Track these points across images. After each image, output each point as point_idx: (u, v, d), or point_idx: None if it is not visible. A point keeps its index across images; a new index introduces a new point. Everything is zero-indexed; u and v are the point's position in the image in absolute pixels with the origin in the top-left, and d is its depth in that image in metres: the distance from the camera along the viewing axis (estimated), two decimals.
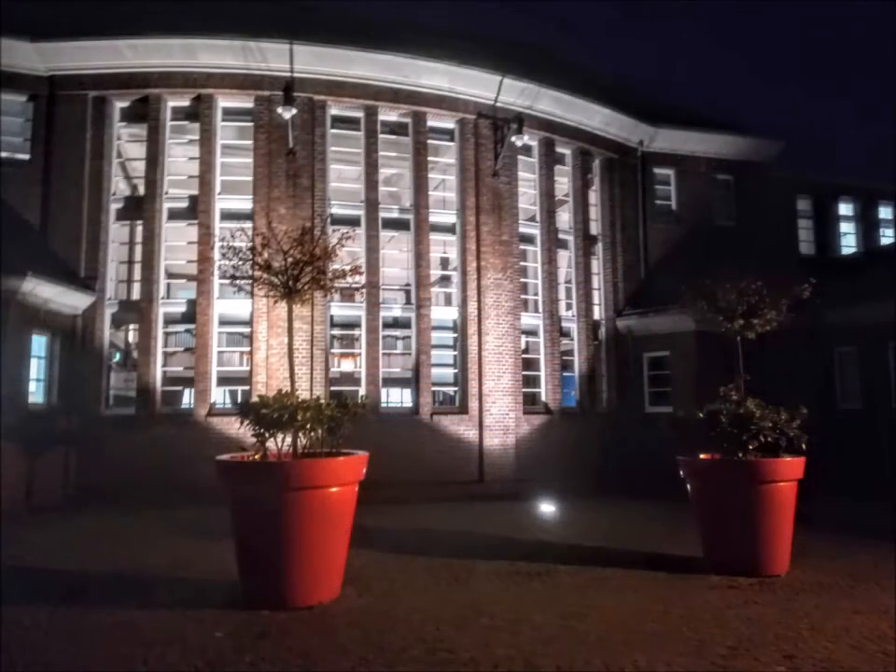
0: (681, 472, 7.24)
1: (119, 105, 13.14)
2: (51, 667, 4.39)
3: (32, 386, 11.31)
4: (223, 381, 12.95)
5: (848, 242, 19.89)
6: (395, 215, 13.88)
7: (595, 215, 16.10)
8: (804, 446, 6.86)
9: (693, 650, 4.63)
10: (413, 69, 13.46)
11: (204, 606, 5.53)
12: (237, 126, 13.48)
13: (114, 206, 13.07)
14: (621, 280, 15.97)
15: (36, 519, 9.97)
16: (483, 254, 13.88)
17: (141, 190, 13.31)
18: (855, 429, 12.64)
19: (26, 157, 12.66)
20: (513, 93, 14.12)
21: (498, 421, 13.54)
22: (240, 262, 6.40)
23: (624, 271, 16.05)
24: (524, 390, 14.07)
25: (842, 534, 8.60)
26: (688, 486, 7.24)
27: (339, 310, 13.51)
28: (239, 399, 13.43)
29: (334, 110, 13.48)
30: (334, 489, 5.74)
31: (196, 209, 12.82)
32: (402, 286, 14.28)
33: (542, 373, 14.55)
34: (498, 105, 14.09)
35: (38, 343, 11.56)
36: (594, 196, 16.18)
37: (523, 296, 14.51)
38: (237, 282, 6.68)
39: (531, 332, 14.66)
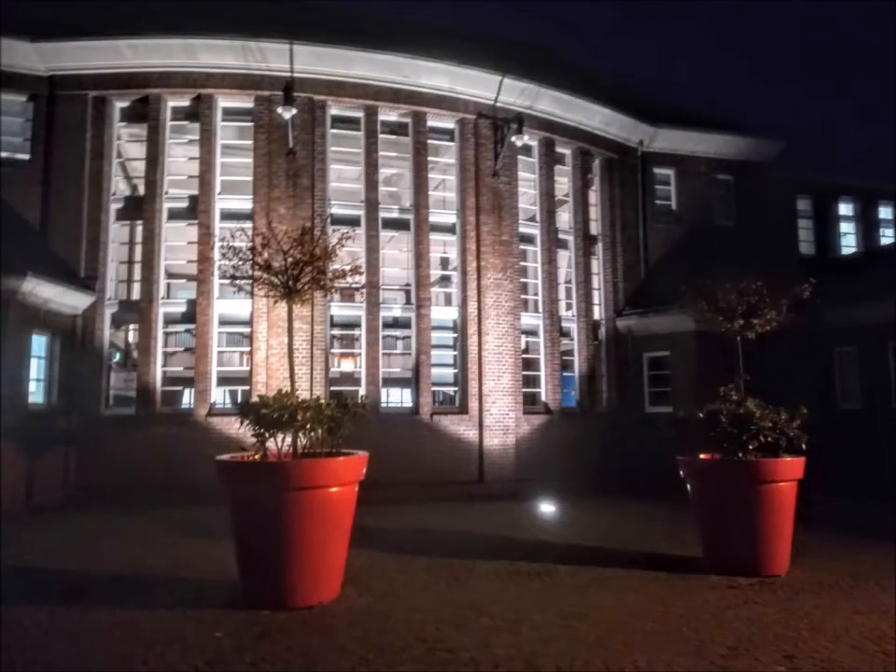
0: (681, 472, 7.24)
1: (119, 105, 13.14)
2: (51, 667, 4.39)
3: (32, 386, 11.31)
4: (223, 381, 12.95)
5: (848, 242, 19.90)
6: (395, 215, 13.88)
7: (595, 215, 16.10)
8: (804, 446, 6.86)
9: (693, 650, 4.63)
10: (413, 69, 13.46)
11: (204, 606, 5.53)
12: (237, 126, 13.48)
13: (114, 206, 13.07)
14: (621, 280, 15.97)
15: (36, 519, 9.97)
16: (483, 254, 13.88)
17: (141, 190, 13.31)
18: (855, 429, 12.64)
19: (26, 157, 12.66)
20: (513, 93, 14.13)
21: (498, 421, 13.54)
22: (240, 262, 6.41)
23: (624, 271, 16.05)
24: (524, 390, 14.07)
25: (842, 534, 8.60)
26: (688, 486, 7.23)
27: (339, 310, 13.51)
28: (239, 399, 13.43)
29: (334, 110, 13.48)
30: (334, 489, 5.74)
31: (196, 209, 12.82)
32: (402, 286, 14.28)
33: (542, 373, 14.55)
34: (498, 104, 14.09)
35: (38, 343, 11.56)
36: (594, 196, 16.18)
37: (523, 296, 14.51)
38: (237, 282, 6.68)
39: (531, 332, 14.66)
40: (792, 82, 70.13)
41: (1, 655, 4.50)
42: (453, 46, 14.25)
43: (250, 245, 6.43)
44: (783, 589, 6.16)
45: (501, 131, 14.10)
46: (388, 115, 13.80)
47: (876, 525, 9.00)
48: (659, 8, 68.22)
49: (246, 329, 12.95)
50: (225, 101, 13.16)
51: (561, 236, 15.36)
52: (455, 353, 13.86)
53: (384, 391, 13.99)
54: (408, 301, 13.76)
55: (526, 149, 14.82)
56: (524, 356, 14.29)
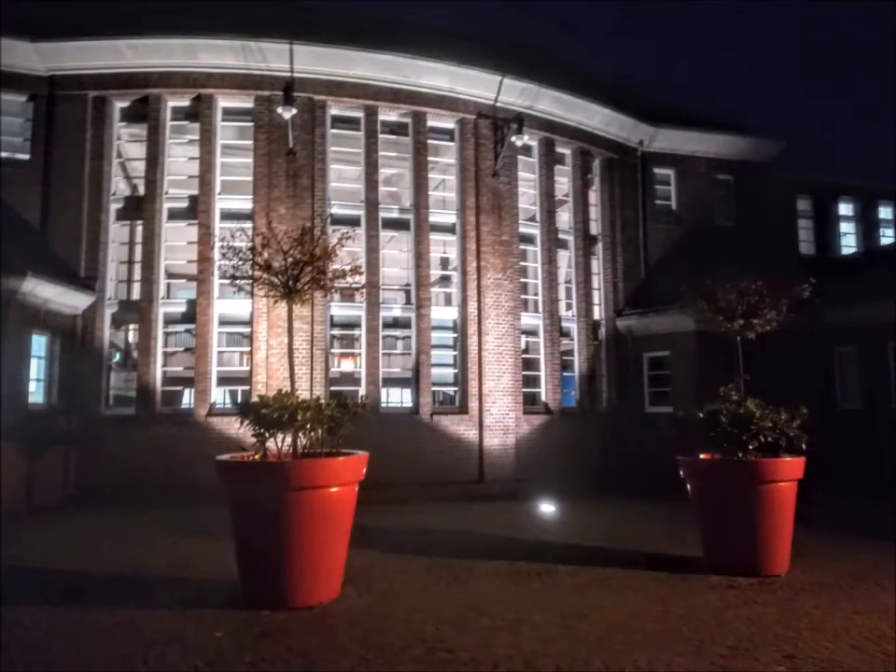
0: (681, 472, 7.24)
1: (119, 105, 13.14)
2: (51, 667, 4.39)
3: (32, 386, 11.31)
4: (223, 381, 12.95)
5: (848, 242, 19.90)
6: (395, 215, 13.88)
7: (595, 215, 16.10)
8: (804, 446, 6.86)
9: (693, 650, 4.63)
10: (413, 69, 13.46)
11: (204, 606, 5.53)
12: (237, 126, 13.48)
13: (114, 206, 13.07)
14: (621, 280, 15.97)
15: (36, 519, 9.97)
16: (483, 254, 13.88)
17: (141, 190, 13.31)
18: (855, 429, 12.64)
19: (26, 157, 12.65)
20: (513, 93, 14.12)
21: (498, 421, 13.54)
22: (240, 262, 6.41)
23: (624, 271, 16.05)
24: (524, 390, 14.07)
25: (842, 534, 8.60)
26: (688, 486, 7.23)
27: (339, 310, 13.51)
28: (239, 399, 13.43)
29: (334, 110, 13.48)
30: (334, 489, 5.74)
31: (196, 209, 12.82)
32: (402, 286, 14.28)
33: (542, 373, 14.55)
34: (498, 105, 14.09)
35: (38, 343, 11.55)
36: (594, 196, 16.17)
37: (523, 296, 14.51)
38: (237, 282, 6.68)
39: (531, 332, 14.66)
40: (792, 82, 70.19)
41: (1, 655, 4.50)
42: (453, 46, 14.24)
43: (250, 245, 6.43)
44: (783, 589, 6.16)
45: (501, 131, 14.10)
46: (388, 115, 13.80)
47: (876, 525, 9.00)
48: (659, 8, 68.26)
49: (246, 329, 12.94)
50: (225, 101, 13.16)
51: (561, 236, 15.36)
52: (455, 353, 13.86)
53: (384, 391, 13.99)
54: (408, 301, 13.76)
55: (526, 149, 14.82)
56: (524, 356, 14.29)
